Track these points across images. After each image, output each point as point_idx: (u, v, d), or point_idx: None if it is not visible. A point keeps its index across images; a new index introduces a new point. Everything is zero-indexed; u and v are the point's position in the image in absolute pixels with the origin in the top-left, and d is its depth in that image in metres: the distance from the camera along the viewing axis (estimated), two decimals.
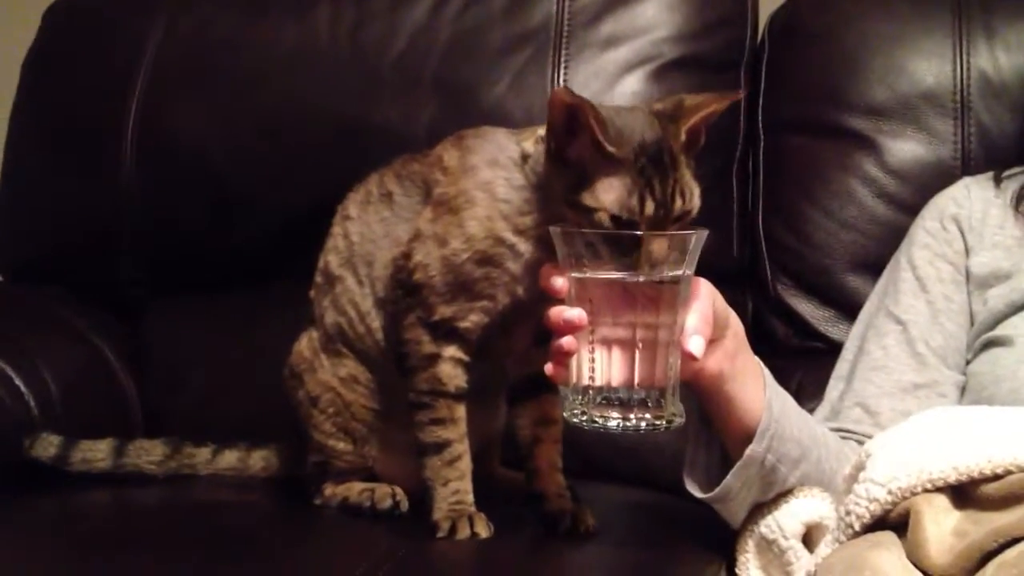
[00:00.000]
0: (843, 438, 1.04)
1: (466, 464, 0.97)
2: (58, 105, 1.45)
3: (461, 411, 0.96)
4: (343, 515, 1.04)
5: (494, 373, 1.01)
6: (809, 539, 0.93)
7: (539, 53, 1.30)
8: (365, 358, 1.03)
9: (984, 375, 1.02)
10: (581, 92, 0.86)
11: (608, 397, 0.86)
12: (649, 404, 0.85)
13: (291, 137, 1.34)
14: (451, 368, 0.96)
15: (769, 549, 0.93)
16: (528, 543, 0.97)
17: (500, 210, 0.92)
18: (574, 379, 0.87)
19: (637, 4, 1.31)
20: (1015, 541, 0.73)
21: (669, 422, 0.86)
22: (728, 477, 0.92)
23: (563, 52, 1.29)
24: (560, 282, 0.87)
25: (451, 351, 0.95)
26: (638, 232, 0.84)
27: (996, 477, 0.78)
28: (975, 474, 0.78)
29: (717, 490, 0.93)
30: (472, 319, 0.94)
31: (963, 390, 1.06)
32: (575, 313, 0.85)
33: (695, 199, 0.87)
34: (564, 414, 0.88)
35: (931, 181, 1.21)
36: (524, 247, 0.92)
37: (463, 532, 0.94)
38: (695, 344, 0.85)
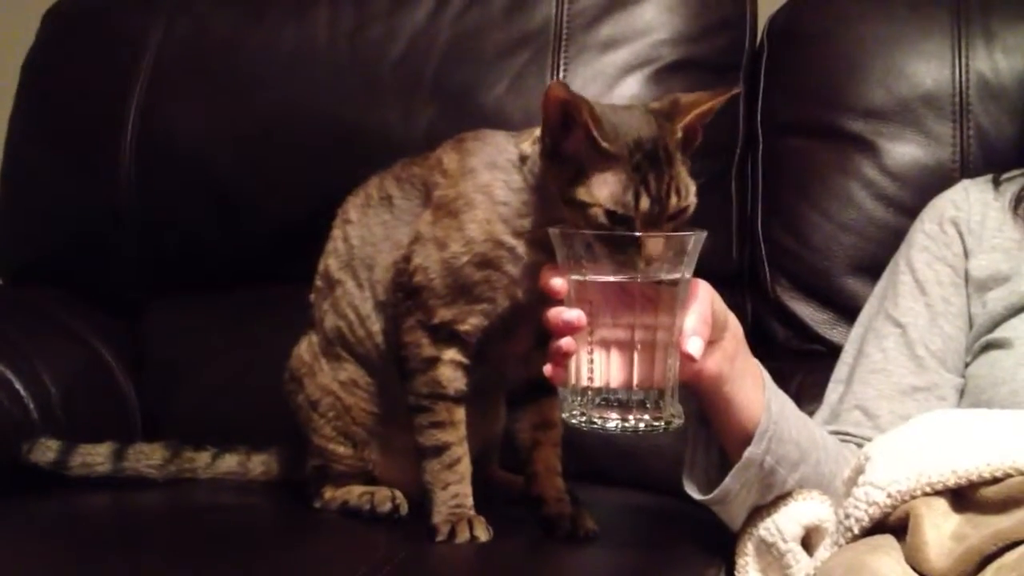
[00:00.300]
0: (842, 441, 1.04)
1: (465, 467, 0.97)
2: (57, 107, 1.45)
3: (461, 414, 0.96)
4: (343, 518, 1.04)
5: (494, 376, 1.01)
6: (808, 542, 0.93)
7: (538, 55, 1.30)
8: (365, 362, 1.03)
9: (983, 378, 1.02)
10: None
11: (607, 398, 0.86)
12: (648, 405, 0.85)
13: (290, 139, 1.34)
14: (451, 371, 0.96)
15: (768, 552, 0.93)
16: (527, 547, 0.97)
17: (499, 213, 0.92)
18: (573, 380, 0.87)
19: (636, 6, 1.31)
20: (1014, 544, 0.73)
21: (668, 423, 0.86)
22: (727, 479, 0.92)
23: (562, 54, 1.29)
24: (559, 283, 0.87)
25: (451, 354, 0.95)
26: (636, 233, 0.84)
27: (995, 480, 0.78)
28: (974, 477, 0.78)
29: (716, 492, 0.93)
30: (472, 322, 0.94)
31: (962, 393, 1.06)
32: (574, 314, 0.85)
33: (691, 196, 0.87)
34: (563, 415, 0.88)
35: (930, 184, 1.21)
36: (523, 250, 0.92)
37: (462, 535, 0.94)
38: (694, 345, 0.85)
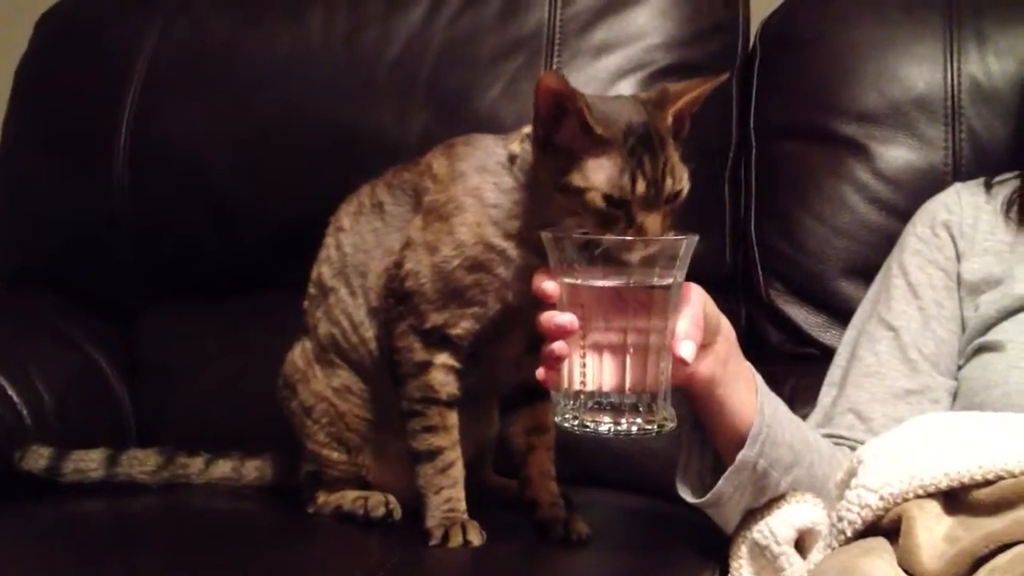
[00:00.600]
0: (836, 444, 1.04)
1: (459, 471, 0.97)
2: (52, 111, 1.45)
3: (453, 418, 0.96)
4: (337, 523, 1.04)
5: (486, 380, 1.01)
6: (802, 545, 0.93)
7: (532, 60, 1.30)
8: (359, 368, 1.03)
9: (975, 380, 1.03)
10: None
11: (599, 402, 0.86)
12: (640, 409, 0.85)
13: (285, 142, 1.34)
14: (443, 375, 0.96)
15: (762, 555, 0.93)
16: (521, 551, 0.97)
17: (489, 215, 0.93)
18: (565, 384, 0.87)
19: (629, 11, 1.31)
20: (1007, 546, 0.73)
21: (660, 426, 0.86)
22: (720, 482, 0.92)
23: (555, 59, 1.30)
24: (551, 287, 0.87)
25: (443, 358, 0.95)
26: (627, 238, 0.84)
27: (987, 483, 0.78)
28: (967, 480, 0.78)
29: (709, 495, 0.93)
30: (464, 326, 0.94)
31: (955, 396, 1.06)
32: (566, 318, 0.85)
33: (684, 180, 0.87)
34: (556, 418, 0.88)
35: (923, 187, 1.21)
36: (514, 252, 0.92)
37: (456, 540, 0.94)
38: (686, 349, 0.85)
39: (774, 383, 1.00)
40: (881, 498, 0.80)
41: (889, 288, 1.11)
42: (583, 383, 0.86)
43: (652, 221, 0.84)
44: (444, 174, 0.96)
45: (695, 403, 0.94)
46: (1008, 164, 1.16)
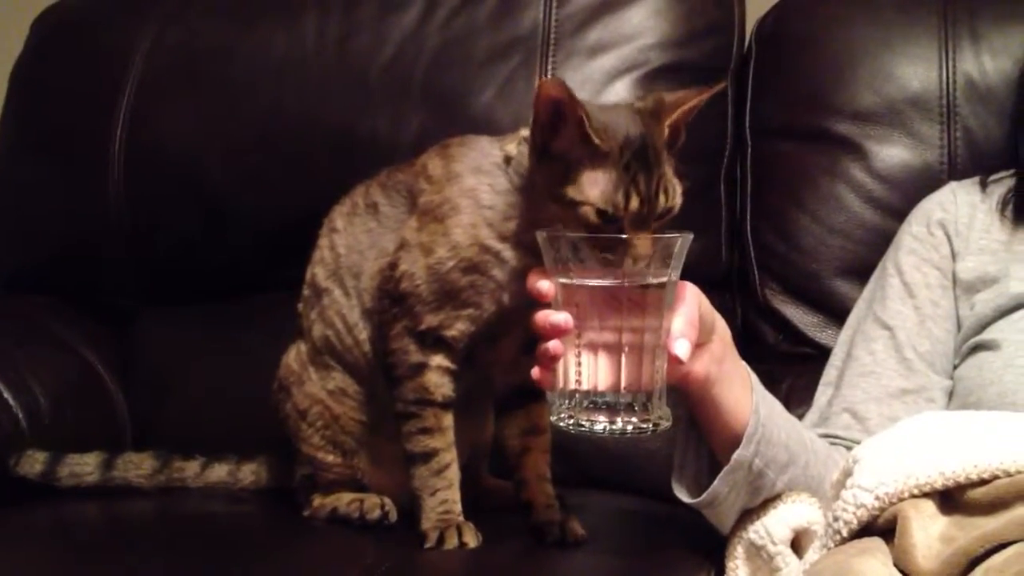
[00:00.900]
0: (832, 444, 1.04)
1: (454, 473, 0.96)
2: (46, 115, 1.45)
3: (448, 420, 0.96)
4: (332, 526, 1.04)
5: (482, 382, 1.01)
6: (798, 545, 0.93)
7: (526, 61, 1.30)
8: (353, 370, 1.03)
9: (971, 379, 1.02)
10: None
11: (595, 401, 0.86)
12: (635, 408, 0.85)
13: (280, 145, 1.34)
14: (438, 377, 0.95)
15: (758, 555, 0.93)
16: (516, 553, 0.97)
17: (484, 217, 0.92)
18: (561, 383, 0.87)
19: (624, 11, 1.31)
20: (1002, 546, 0.73)
21: (656, 426, 0.86)
22: (716, 482, 0.92)
23: (550, 60, 1.30)
24: (546, 286, 0.87)
25: (438, 360, 0.95)
26: (623, 236, 0.84)
27: (983, 482, 0.78)
28: (962, 479, 0.78)
29: (705, 495, 0.93)
30: (459, 327, 0.94)
31: (951, 395, 1.06)
32: (561, 317, 0.85)
33: (677, 196, 0.87)
34: (551, 418, 0.88)
35: (918, 186, 1.21)
36: (509, 254, 0.92)
37: (451, 542, 0.94)
38: (681, 347, 0.85)
39: (770, 382, 1.00)
40: (877, 498, 0.80)
41: (885, 287, 1.11)
42: (578, 382, 0.86)
43: (643, 239, 0.84)
44: (439, 175, 0.95)
45: (690, 402, 0.94)
46: (1003, 163, 1.16)
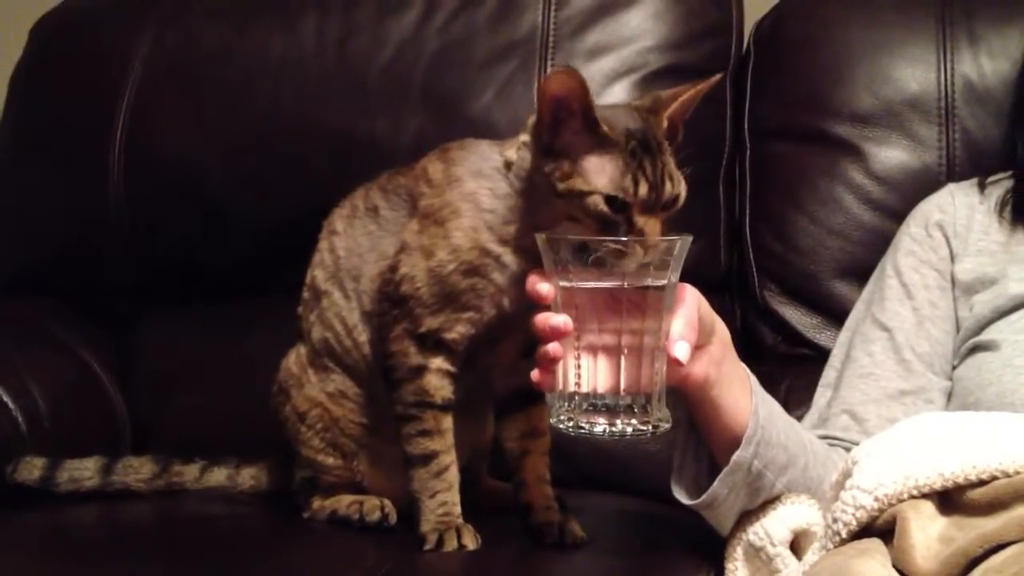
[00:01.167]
0: (831, 445, 1.04)
1: (453, 475, 0.96)
2: (46, 118, 1.45)
3: (448, 422, 0.96)
4: (332, 528, 1.03)
5: (481, 385, 1.01)
6: (797, 546, 0.93)
7: (525, 63, 1.30)
8: (353, 373, 1.03)
9: (970, 380, 1.03)
10: None
11: (594, 403, 0.86)
12: (635, 410, 0.85)
13: (279, 148, 1.34)
14: (438, 379, 0.95)
15: (757, 556, 0.93)
16: (516, 555, 0.97)
17: (485, 220, 0.92)
18: (560, 385, 0.87)
19: (623, 14, 1.31)
20: (1001, 547, 0.73)
21: (655, 428, 0.86)
22: (715, 483, 0.92)
23: (549, 62, 1.30)
24: (546, 289, 0.87)
25: (438, 362, 0.95)
26: (624, 238, 0.84)
27: (982, 483, 0.78)
28: (961, 480, 0.78)
29: (704, 496, 0.93)
30: (458, 330, 0.94)
31: (949, 396, 1.06)
32: (561, 320, 0.85)
33: (682, 185, 0.87)
34: (551, 420, 0.88)
35: (916, 187, 1.21)
36: (509, 258, 0.92)
37: (450, 544, 0.94)
38: (680, 349, 0.85)
39: (769, 384, 1.00)
40: (876, 499, 0.80)
41: (883, 289, 1.11)
42: (578, 384, 0.86)
43: (652, 225, 0.84)
44: (439, 178, 0.96)
45: (689, 404, 0.94)
46: (1001, 164, 1.16)
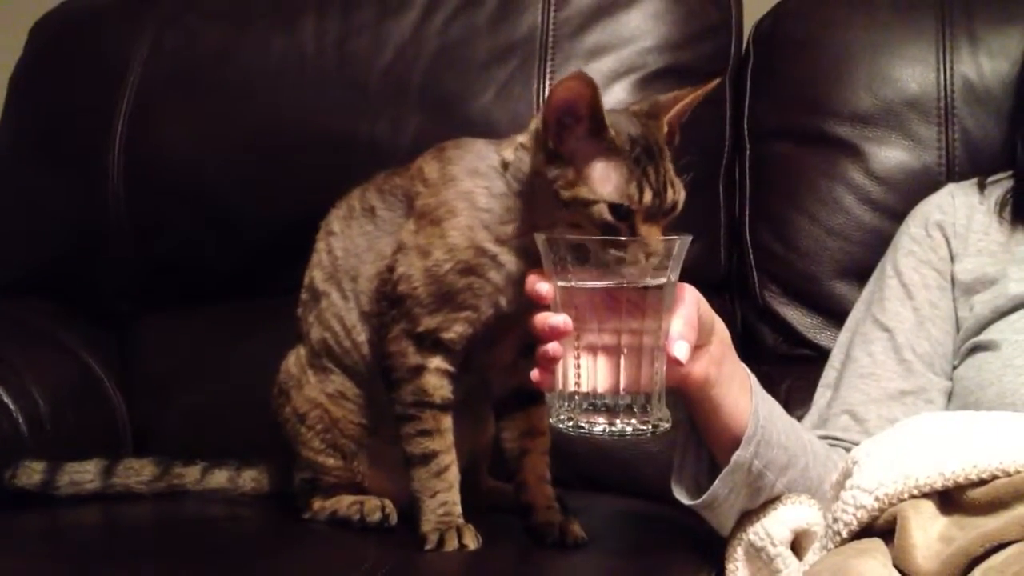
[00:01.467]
0: (831, 445, 1.04)
1: (453, 475, 0.96)
2: (46, 120, 1.45)
3: (447, 422, 0.96)
4: (332, 528, 1.03)
5: (481, 385, 1.01)
6: (798, 546, 0.93)
7: (525, 64, 1.30)
8: (352, 373, 1.03)
9: (970, 380, 1.03)
10: None
11: (594, 403, 0.86)
12: (635, 410, 0.85)
13: (278, 150, 1.34)
14: (436, 379, 0.95)
15: (758, 556, 0.93)
16: (517, 555, 0.97)
17: (481, 219, 0.92)
18: (560, 385, 0.87)
19: (622, 14, 1.31)
20: (1001, 546, 0.73)
21: (655, 427, 0.86)
22: (715, 483, 0.92)
23: (549, 63, 1.30)
24: (545, 288, 0.87)
25: (436, 362, 0.95)
26: (623, 238, 0.84)
27: (982, 482, 0.78)
28: (961, 480, 0.78)
29: (704, 496, 0.93)
30: (456, 330, 0.94)
31: (950, 396, 1.06)
32: (560, 319, 0.85)
33: (682, 191, 0.88)
34: (550, 420, 0.88)
35: (916, 188, 1.21)
36: (506, 258, 0.92)
37: (451, 544, 0.93)
38: (680, 349, 0.85)
39: (769, 384, 1.00)
40: (876, 499, 0.80)
41: (883, 289, 1.11)
42: (577, 384, 0.86)
43: (653, 232, 0.85)
44: (435, 178, 0.96)
45: (689, 404, 0.94)
46: (1001, 164, 1.16)
